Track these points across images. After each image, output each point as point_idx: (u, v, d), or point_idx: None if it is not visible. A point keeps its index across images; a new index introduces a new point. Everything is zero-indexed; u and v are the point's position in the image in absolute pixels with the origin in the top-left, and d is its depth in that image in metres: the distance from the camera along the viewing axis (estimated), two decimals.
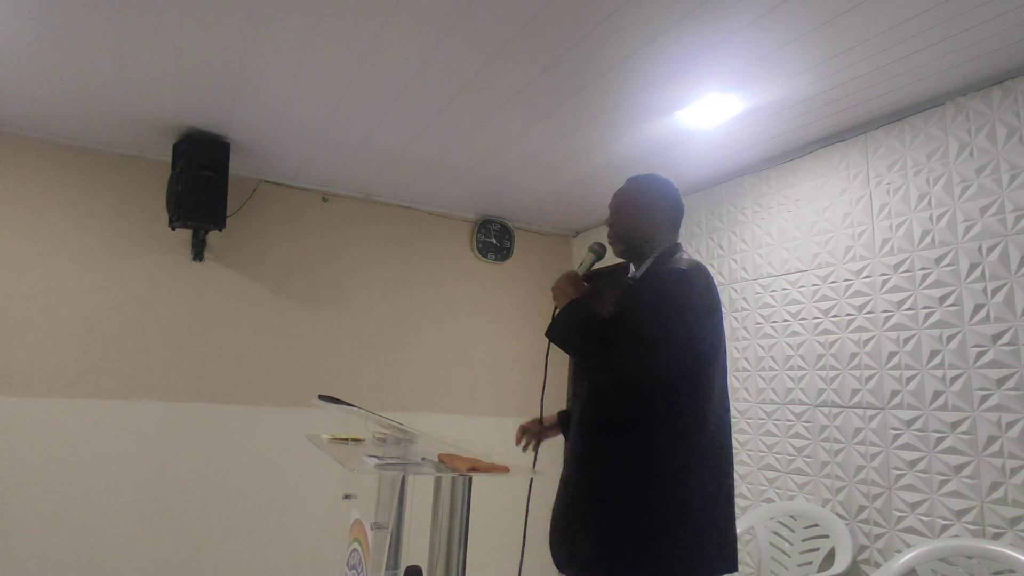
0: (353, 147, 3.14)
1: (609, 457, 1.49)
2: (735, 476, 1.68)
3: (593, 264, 1.76)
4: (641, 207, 1.69)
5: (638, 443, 1.45)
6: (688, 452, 1.45)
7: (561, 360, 4.45)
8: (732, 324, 3.16)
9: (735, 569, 1.47)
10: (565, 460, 1.71)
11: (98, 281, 3.14)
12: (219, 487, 3.26)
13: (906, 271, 2.44)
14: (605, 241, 1.77)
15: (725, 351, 1.59)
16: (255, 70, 2.43)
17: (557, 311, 1.65)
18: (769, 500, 2.87)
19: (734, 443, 3.08)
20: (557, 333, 1.63)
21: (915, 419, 2.34)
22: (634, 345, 1.44)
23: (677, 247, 1.66)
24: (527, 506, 1.95)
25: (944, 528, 2.21)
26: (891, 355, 2.45)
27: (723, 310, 1.59)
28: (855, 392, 2.55)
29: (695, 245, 3.46)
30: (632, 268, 1.77)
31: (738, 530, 2.80)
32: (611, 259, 1.92)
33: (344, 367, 3.68)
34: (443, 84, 2.47)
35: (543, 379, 1.85)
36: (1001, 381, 2.12)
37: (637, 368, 1.42)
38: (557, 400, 4.39)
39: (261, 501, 3.34)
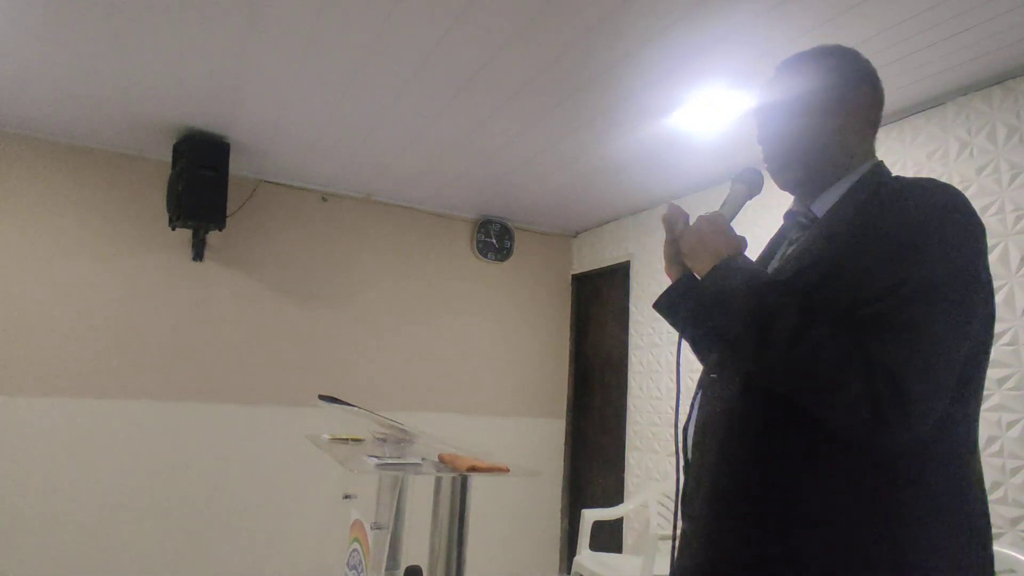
0: (353, 147, 3.14)
1: (815, 526, 0.83)
2: None
3: (743, 205, 1.11)
4: (829, 103, 1.00)
5: (885, 498, 0.81)
6: (963, 504, 0.84)
7: (561, 361, 4.45)
8: None
9: None
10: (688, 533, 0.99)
11: (98, 281, 3.14)
12: (219, 487, 3.26)
13: None
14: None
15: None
16: (255, 70, 2.43)
17: (701, 277, 0.98)
18: None
19: None
20: (702, 313, 0.98)
21: None
22: (881, 329, 0.79)
23: (880, 166, 1.01)
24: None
25: None
26: None
27: None
28: None
29: None
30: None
31: None
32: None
33: (344, 367, 3.68)
34: (442, 84, 2.47)
35: (675, 388, 1.16)
36: (1001, 381, 2.12)
37: (883, 366, 0.77)
38: (555, 400, 4.39)
39: (261, 501, 3.34)
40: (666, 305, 1.11)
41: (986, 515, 0.86)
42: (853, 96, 1.00)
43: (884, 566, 0.79)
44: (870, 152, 1.03)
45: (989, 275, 0.88)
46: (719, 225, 1.01)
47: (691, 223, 1.05)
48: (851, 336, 0.80)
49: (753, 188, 1.11)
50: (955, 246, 0.83)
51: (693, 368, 3.14)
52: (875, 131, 1.04)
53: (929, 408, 0.78)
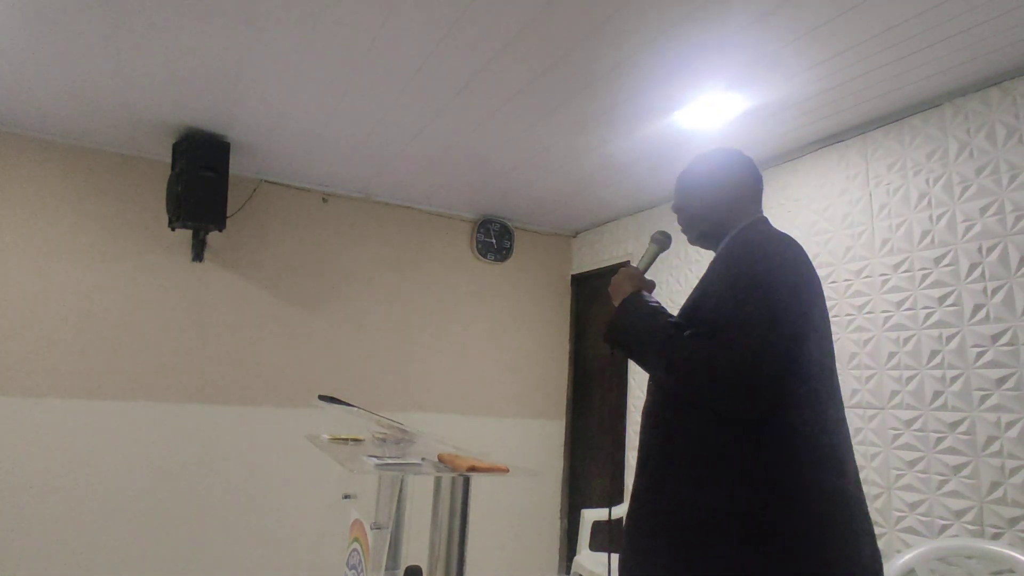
0: (353, 147, 3.14)
1: (676, 476, 1.22)
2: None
3: (656, 257, 1.53)
4: (711, 185, 1.45)
5: (728, 460, 1.16)
6: (803, 461, 1.15)
7: (560, 361, 4.45)
8: None
9: None
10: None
11: (98, 281, 3.14)
12: (219, 487, 3.26)
13: (906, 271, 2.45)
14: (669, 229, 1.58)
15: (830, 338, 1.30)
16: (255, 70, 2.43)
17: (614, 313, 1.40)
18: None
19: None
20: (615, 336, 1.38)
21: (914, 419, 2.35)
22: (708, 336, 1.18)
23: (759, 222, 1.42)
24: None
25: (943, 528, 2.21)
26: (890, 355, 2.45)
27: (822, 295, 1.31)
28: (854, 392, 2.55)
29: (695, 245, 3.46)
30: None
31: None
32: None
33: (344, 367, 3.68)
34: (443, 84, 2.47)
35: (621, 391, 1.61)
36: (1000, 381, 2.13)
37: (709, 364, 1.15)
38: (554, 401, 4.39)
39: (261, 501, 3.34)
40: (603, 332, 1.46)
41: (817, 481, 1.14)
42: (727, 180, 1.45)
43: (722, 509, 1.15)
44: (749, 214, 1.44)
45: (808, 308, 1.21)
46: (628, 273, 1.44)
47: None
48: (709, 347, 1.16)
49: (663, 246, 1.54)
50: (777, 289, 1.18)
51: None
52: (753, 198, 1.46)
53: (758, 392, 1.13)
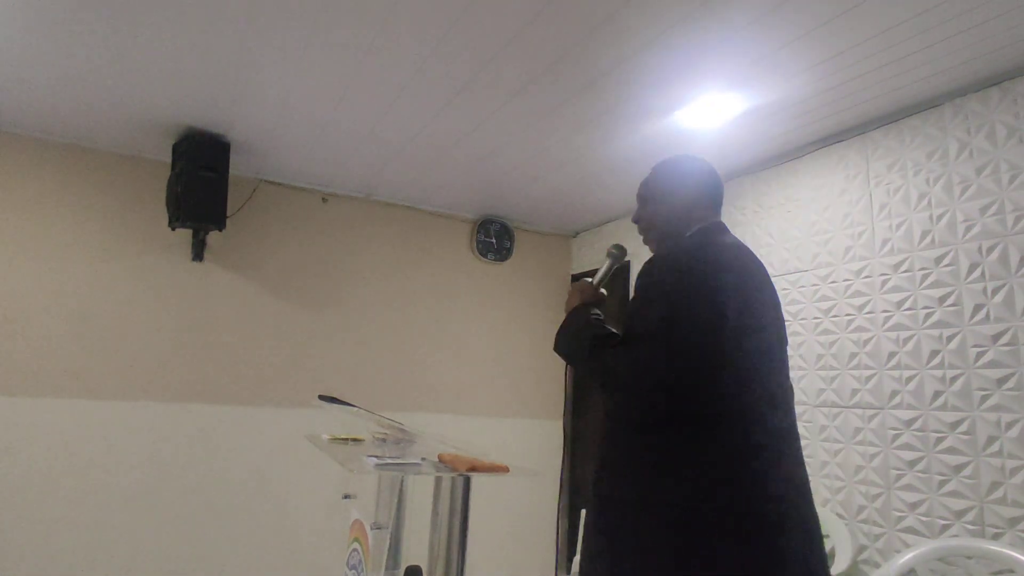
0: (353, 147, 3.14)
1: (609, 471, 1.33)
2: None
3: (612, 270, 1.59)
4: (666, 193, 1.49)
5: (633, 454, 1.27)
6: (697, 459, 1.21)
7: (560, 361, 4.44)
8: None
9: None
10: None
11: (98, 281, 3.14)
12: (219, 487, 3.26)
13: (906, 271, 2.45)
14: (624, 243, 1.64)
15: (763, 338, 1.32)
16: (255, 70, 2.43)
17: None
18: None
19: None
20: (558, 345, 1.48)
21: (914, 419, 2.34)
22: (618, 345, 1.30)
23: (708, 229, 1.44)
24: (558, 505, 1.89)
25: (943, 528, 2.21)
26: (891, 355, 2.45)
27: (765, 298, 1.36)
28: (855, 392, 2.55)
29: None
30: None
31: None
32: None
33: (344, 367, 3.68)
34: (443, 84, 2.47)
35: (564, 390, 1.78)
36: (1001, 381, 2.13)
37: (613, 371, 1.27)
38: (554, 401, 4.39)
39: (261, 501, 3.34)
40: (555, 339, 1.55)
41: (738, 475, 1.20)
42: (681, 187, 1.49)
43: (630, 498, 1.25)
44: (696, 221, 1.46)
45: (710, 310, 1.23)
46: (579, 287, 1.54)
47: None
48: (612, 358, 1.28)
49: (616, 260, 1.62)
50: (667, 300, 1.24)
51: None
52: (709, 205, 1.48)
53: (642, 391, 1.24)
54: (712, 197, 1.49)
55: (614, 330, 1.39)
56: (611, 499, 1.30)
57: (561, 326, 1.48)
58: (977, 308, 2.22)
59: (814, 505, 1.29)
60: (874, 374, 2.50)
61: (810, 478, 2.62)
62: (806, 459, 2.83)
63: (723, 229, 1.45)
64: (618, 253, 1.62)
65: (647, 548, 1.20)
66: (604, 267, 1.59)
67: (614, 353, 1.28)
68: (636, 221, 1.57)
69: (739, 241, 1.42)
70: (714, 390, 1.22)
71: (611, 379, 1.29)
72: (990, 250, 2.21)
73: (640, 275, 1.34)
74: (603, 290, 1.55)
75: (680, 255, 1.33)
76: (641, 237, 1.58)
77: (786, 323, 2.98)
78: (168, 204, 3.13)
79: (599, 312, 1.49)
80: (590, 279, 1.56)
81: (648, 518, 1.21)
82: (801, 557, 1.17)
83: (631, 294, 1.41)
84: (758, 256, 1.44)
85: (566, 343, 1.46)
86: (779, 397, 1.30)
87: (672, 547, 1.17)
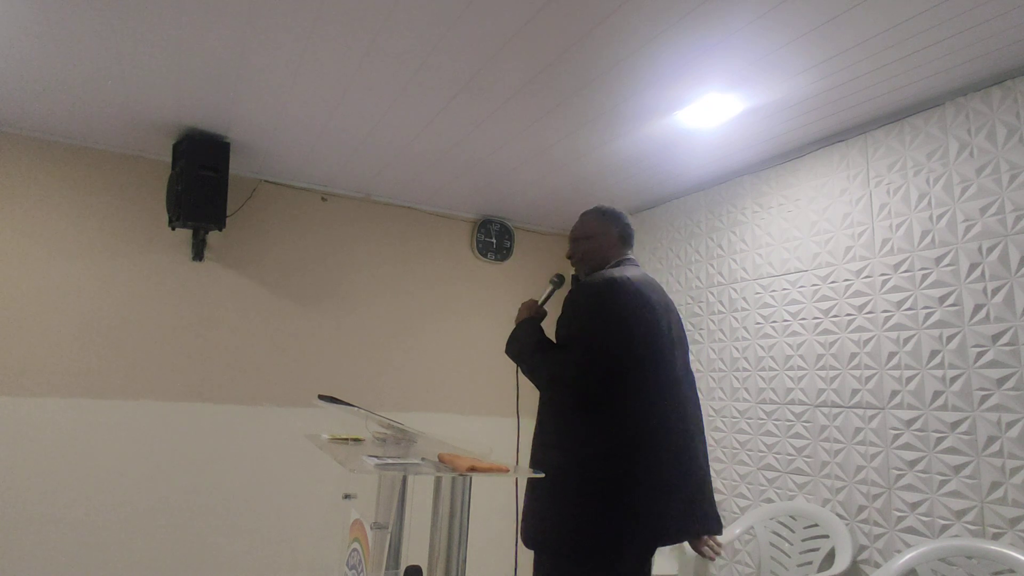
0: (353, 147, 3.14)
1: (539, 445, 1.79)
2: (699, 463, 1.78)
3: (552, 293, 2.05)
4: (588, 235, 1.97)
5: (559, 434, 1.74)
6: (606, 440, 1.65)
7: None
8: (732, 324, 3.16)
9: (666, 542, 1.67)
10: None
11: (98, 281, 3.14)
12: (219, 487, 3.26)
13: (906, 271, 2.45)
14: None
15: (659, 351, 1.74)
16: (255, 70, 2.43)
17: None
18: (769, 500, 2.87)
19: (733, 442, 3.08)
20: (507, 348, 1.93)
21: (915, 419, 2.34)
22: (552, 349, 1.78)
23: (621, 263, 1.91)
24: (516, 504, 1.91)
25: (944, 528, 2.21)
26: (891, 355, 2.45)
27: (659, 315, 1.78)
28: (855, 392, 2.55)
29: (694, 245, 3.46)
30: None
31: (738, 530, 2.82)
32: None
33: (344, 367, 3.68)
34: (442, 84, 2.47)
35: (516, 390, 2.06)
36: (1001, 381, 2.13)
37: (548, 369, 1.74)
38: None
39: (261, 501, 3.34)
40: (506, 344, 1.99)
41: (630, 446, 1.65)
42: (602, 230, 1.97)
43: (564, 464, 1.67)
44: (617, 255, 1.95)
45: (620, 324, 1.70)
46: (527, 305, 2.00)
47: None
48: (546, 360, 1.78)
49: (557, 285, 2.08)
50: (589, 317, 1.72)
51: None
52: (618, 245, 1.96)
53: (570, 384, 1.70)
54: (625, 239, 1.98)
55: (552, 339, 1.84)
56: (542, 464, 1.71)
57: (512, 334, 1.93)
58: (977, 308, 2.22)
59: (700, 477, 1.73)
60: (874, 374, 2.49)
61: (811, 478, 2.67)
62: (806, 459, 2.84)
63: (633, 263, 1.92)
64: (558, 280, 2.11)
65: (558, 502, 1.66)
66: (547, 291, 2.07)
67: (552, 355, 1.75)
68: (569, 257, 2.02)
69: (644, 272, 1.89)
70: (620, 384, 1.65)
71: (548, 375, 1.74)
72: (990, 250, 2.21)
73: (569, 296, 1.79)
74: (545, 308, 2.00)
75: (600, 283, 1.75)
76: (574, 268, 2.03)
77: (786, 323, 2.97)
78: (168, 204, 3.13)
79: (540, 326, 1.94)
80: (536, 299, 2.02)
81: (563, 481, 1.65)
82: (656, 513, 1.61)
83: (561, 312, 1.85)
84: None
85: (516, 348, 1.90)
86: (668, 389, 1.73)
87: (566, 502, 1.64)
